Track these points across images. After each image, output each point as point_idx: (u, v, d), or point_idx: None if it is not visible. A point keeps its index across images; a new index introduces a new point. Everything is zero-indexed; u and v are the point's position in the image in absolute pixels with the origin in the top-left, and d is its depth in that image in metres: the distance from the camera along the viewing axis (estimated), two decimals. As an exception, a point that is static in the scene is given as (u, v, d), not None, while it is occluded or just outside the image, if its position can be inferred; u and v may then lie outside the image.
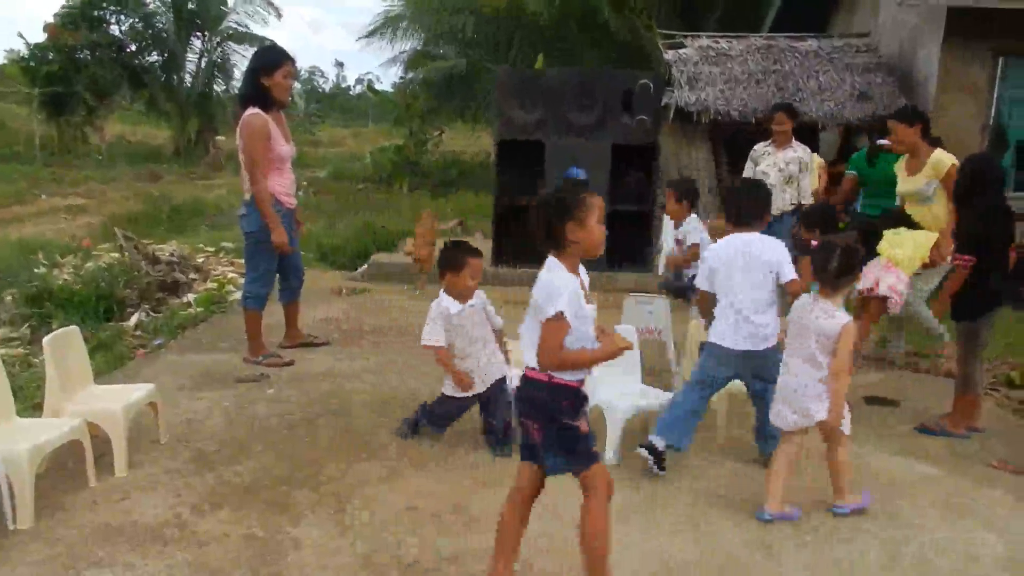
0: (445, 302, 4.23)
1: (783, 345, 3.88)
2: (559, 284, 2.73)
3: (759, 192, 4.44)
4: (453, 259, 4.22)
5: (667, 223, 6.35)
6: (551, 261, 2.81)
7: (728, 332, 4.11)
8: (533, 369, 2.80)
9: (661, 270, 6.67)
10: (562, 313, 2.69)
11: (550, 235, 2.79)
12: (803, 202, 7.08)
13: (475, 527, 3.52)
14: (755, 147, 7.46)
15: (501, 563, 2.96)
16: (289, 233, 5.76)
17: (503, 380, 4.31)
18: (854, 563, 3.35)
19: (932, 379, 5.99)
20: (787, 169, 7.20)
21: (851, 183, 7.41)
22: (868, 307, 5.65)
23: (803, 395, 3.68)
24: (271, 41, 27.02)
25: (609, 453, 4.23)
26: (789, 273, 4.07)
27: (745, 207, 4.27)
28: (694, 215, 5.68)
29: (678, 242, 5.79)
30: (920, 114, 5.82)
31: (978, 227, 4.69)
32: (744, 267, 4.10)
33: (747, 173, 7.52)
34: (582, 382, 2.85)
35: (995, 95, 10.56)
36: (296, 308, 6.16)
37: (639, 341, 4.78)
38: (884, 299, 5.48)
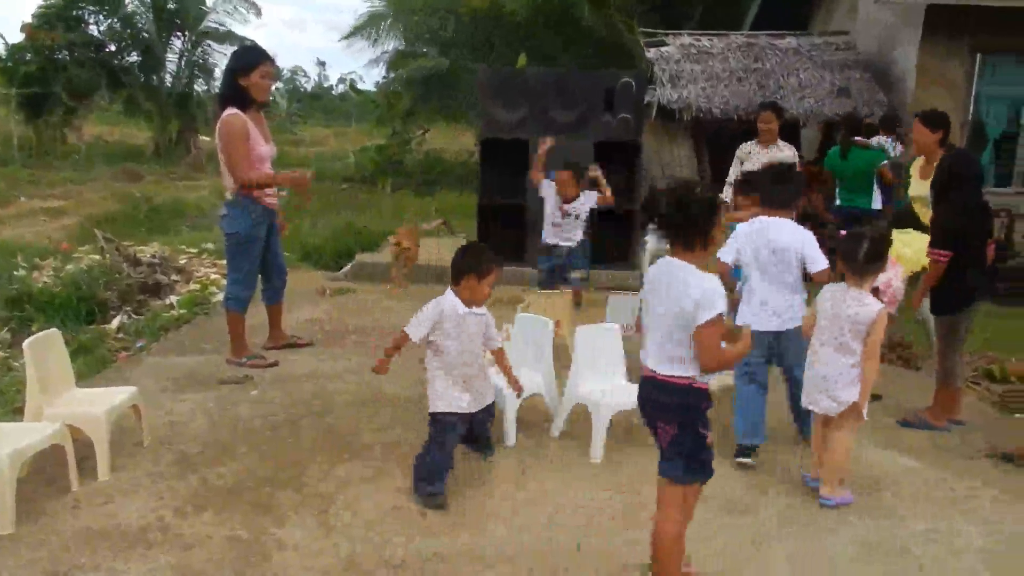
0: (453, 301, 3.84)
1: (809, 334, 3.99)
2: (713, 286, 2.73)
3: (793, 177, 4.51)
4: (481, 264, 3.84)
5: (549, 190, 6.72)
6: (685, 265, 2.79)
7: (753, 315, 4.22)
8: (670, 375, 2.82)
9: (547, 235, 6.92)
10: (722, 315, 2.71)
11: (698, 231, 2.77)
12: None
13: (461, 526, 3.52)
14: (741, 146, 7.51)
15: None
16: (271, 233, 5.75)
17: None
18: (837, 554, 3.38)
19: (914, 373, 6.05)
20: None
21: (831, 179, 7.59)
22: None
23: (835, 382, 3.82)
24: (251, 41, 26.91)
25: (594, 451, 4.24)
26: (817, 263, 4.17)
27: (777, 191, 4.34)
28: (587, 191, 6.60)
29: (565, 213, 6.62)
30: (945, 121, 5.63)
31: (956, 222, 4.74)
32: (770, 250, 4.19)
33: (733, 172, 7.58)
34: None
35: (973, 92, 10.66)
36: (279, 309, 6.13)
37: (623, 339, 4.80)
38: (875, 291, 5.52)
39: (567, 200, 6.60)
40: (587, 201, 6.63)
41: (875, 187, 7.66)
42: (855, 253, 3.82)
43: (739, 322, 4.28)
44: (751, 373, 4.32)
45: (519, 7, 16.91)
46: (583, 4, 16.06)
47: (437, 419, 3.86)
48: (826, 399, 3.84)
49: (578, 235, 6.74)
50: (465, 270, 3.84)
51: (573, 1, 16.49)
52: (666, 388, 2.83)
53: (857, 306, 3.77)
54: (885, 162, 7.77)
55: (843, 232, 4.04)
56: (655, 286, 2.86)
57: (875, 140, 8.54)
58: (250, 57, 5.63)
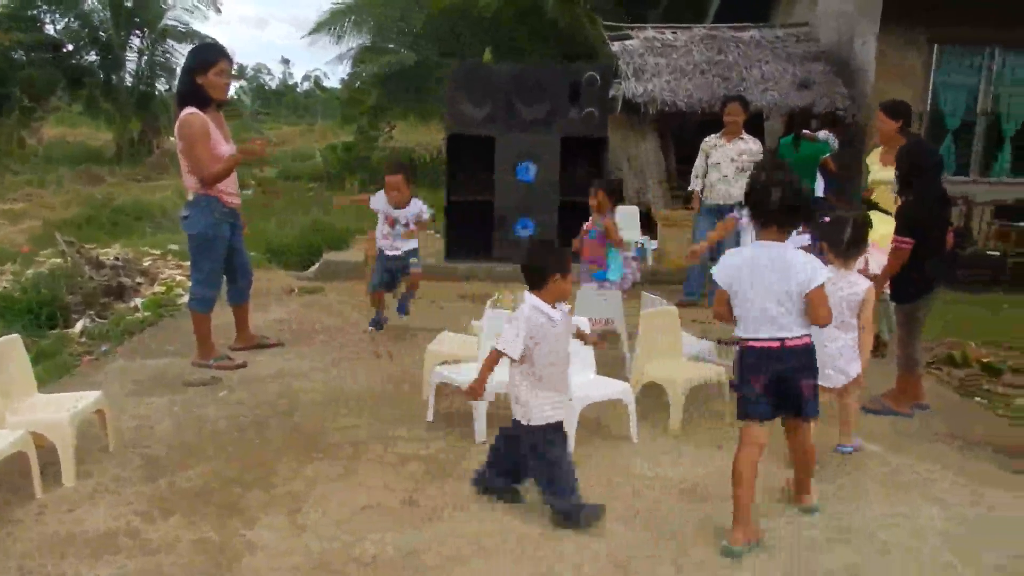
0: (540, 306, 3.51)
1: None
2: (811, 256, 3.26)
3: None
4: (564, 262, 3.58)
5: (379, 201, 6.57)
6: (779, 245, 3.24)
7: None
8: (800, 338, 3.25)
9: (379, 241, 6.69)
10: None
11: (795, 218, 3.29)
12: None
13: (433, 519, 3.53)
14: (706, 139, 7.59)
15: (747, 511, 3.35)
16: (234, 233, 5.70)
17: None
18: (804, 540, 3.43)
19: (879, 361, 6.13)
20: (739, 160, 7.38)
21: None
22: None
23: (839, 356, 4.21)
24: (212, 38, 26.60)
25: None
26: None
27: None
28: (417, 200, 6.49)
29: (393, 221, 6.46)
30: (905, 111, 5.86)
31: (916, 211, 4.82)
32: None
33: (699, 164, 7.66)
34: None
35: (931, 82, 10.83)
36: (246, 309, 6.08)
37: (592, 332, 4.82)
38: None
39: (397, 206, 6.40)
40: (416, 209, 6.43)
41: (818, 176, 8.25)
42: (839, 239, 4.20)
43: None
44: None
45: (490, 0, 16.80)
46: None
47: (540, 431, 3.58)
48: (837, 374, 4.21)
49: (410, 243, 6.49)
50: (550, 271, 3.53)
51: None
52: (800, 351, 3.26)
53: (851, 287, 4.20)
54: (828, 154, 8.33)
55: (826, 219, 4.30)
56: (756, 268, 3.23)
57: (821, 134, 8.97)
58: (206, 55, 5.57)
